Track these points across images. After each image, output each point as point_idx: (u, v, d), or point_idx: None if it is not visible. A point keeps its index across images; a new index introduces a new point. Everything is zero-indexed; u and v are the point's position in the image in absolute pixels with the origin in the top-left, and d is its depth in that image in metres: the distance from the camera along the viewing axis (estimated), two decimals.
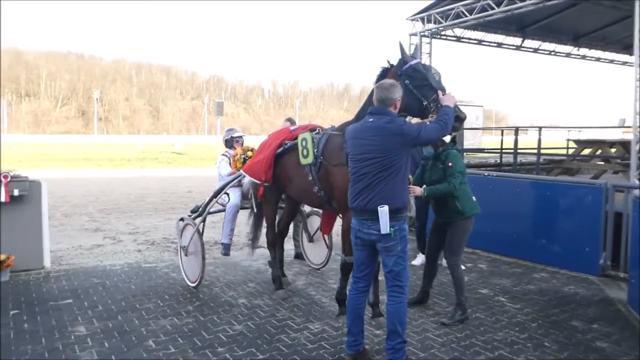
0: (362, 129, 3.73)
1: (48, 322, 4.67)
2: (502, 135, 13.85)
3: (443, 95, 4.00)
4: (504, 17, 10.41)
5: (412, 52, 4.44)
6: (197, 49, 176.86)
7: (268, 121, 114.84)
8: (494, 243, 7.41)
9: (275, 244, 5.82)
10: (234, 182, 5.97)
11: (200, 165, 27.50)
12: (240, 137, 6.74)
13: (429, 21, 11.74)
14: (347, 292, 4.16)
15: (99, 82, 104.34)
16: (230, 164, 6.48)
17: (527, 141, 21.02)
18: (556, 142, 21.19)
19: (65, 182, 17.33)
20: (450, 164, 4.70)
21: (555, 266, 6.65)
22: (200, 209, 6.12)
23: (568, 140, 15.45)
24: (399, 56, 4.31)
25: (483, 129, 17.63)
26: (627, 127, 12.73)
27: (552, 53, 15.11)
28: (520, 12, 10.06)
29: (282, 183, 5.39)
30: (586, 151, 13.15)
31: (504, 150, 13.08)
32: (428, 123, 3.87)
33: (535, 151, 12.18)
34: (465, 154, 13.30)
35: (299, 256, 7.09)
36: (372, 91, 4.04)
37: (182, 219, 6.15)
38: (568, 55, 15.44)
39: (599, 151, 12.49)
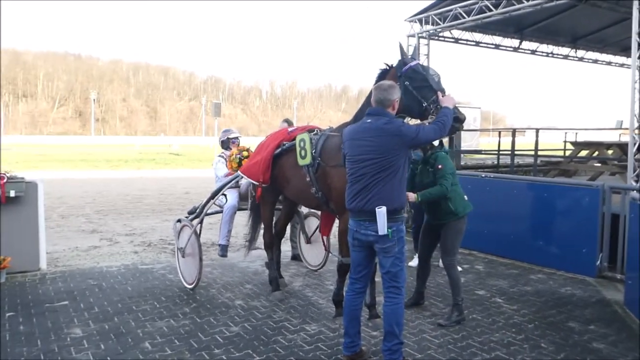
0: (360, 129, 3.73)
1: (44, 324, 4.65)
2: (499, 136, 13.88)
3: (443, 96, 4.00)
4: (501, 18, 10.42)
5: (410, 53, 4.42)
6: (194, 50, 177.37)
7: (266, 122, 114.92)
8: (491, 244, 7.42)
9: (273, 245, 5.80)
10: (231, 183, 5.96)
11: (198, 167, 27.48)
12: (237, 138, 6.73)
13: (427, 23, 11.74)
14: (344, 294, 4.15)
15: (97, 82, 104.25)
16: (226, 165, 6.46)
17: (525, 143, 21.08)
18: (553, 143, 21.21)
19: (62, 183, 17.31)
20: (439, 167, 4.72)
21: (552, 267, 6.66)
22: (197, 210, 6.11)
23: (565, 141, 15.50)
24: (398, 57, 4.30)
25: (481, 130, 17.66)
26: (625, 129, 12.77)
27: (550, 55, 15.13)
28: (518, 14, 10.07)
29: (280, 184, 5.39)
30: (583, 153, 13.18)
31: (501, 152, 13.11)
32: (427, 124, 3.88)
33: (533, 153, 12.20)
34: (462, 155, 13.32)
35: (296, 257, 7.08)
36: (371, 92, 4.03)
37: (179, 221, 6.14)
38: (566, 57, 15.45)
39: (596, 153, 12.53)
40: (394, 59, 4.35)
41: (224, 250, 6.21)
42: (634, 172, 8.08)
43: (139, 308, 5.12)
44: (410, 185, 4.82)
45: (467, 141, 15.48)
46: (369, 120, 3.69)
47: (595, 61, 16.32)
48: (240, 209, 6.35)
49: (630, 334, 4.59)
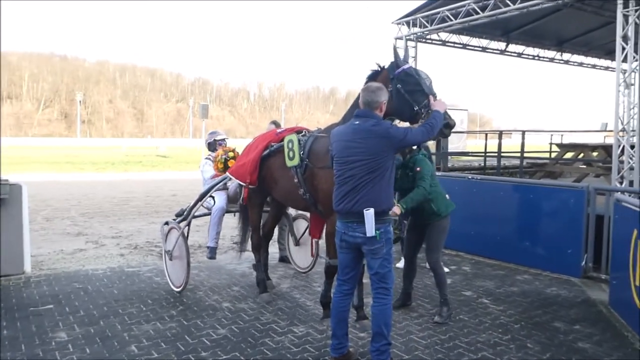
0: (348, 131, 3.73)
1: (28, 328, 4.60)
2: (486, 138, 13.96)
3: (434, 100, 4.02)
4: (488, 21, 10.52)
5: (403, 55, 4.42)
6: (182, 51, 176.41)
7: (253, 124, 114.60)
8: (477, 245, 7.46)
9: (260, 247, 5.79)
10: (219, 185, 5.93)
11: (185, 169, 27.35)
12: (224, 140, 6.70)
13: (414, 25, 11.82)
14: (332, 295, 4.15)
15: (82, 84, 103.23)
16: (213, 167, 6.43)
17: (511, 145, 21.16)
18: (539, 145, 21.40)
19: (47, 185, 17.13)
20: (418, 169, 4.75)
21: (538, 268, 6.71)
22: (185, 213, 6.07)
23: (551, 143, 15.63)
24: (387, 59, 4.31)
25: (467, 132, 17.77)
26: (609, 131, 12.91)
27: (536, 58, 15.29)
28: (504, 17, 10.17)
29: (268, 185, 5.37)
30: (569, 155, 13.34)
31: (488, 154, 13.19)
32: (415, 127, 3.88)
33: (519, 155, 12.29)
34: (449, 157, 13.39)
35: (283, 259, 7.06)
36: (360, 94, 4.03)
37: (166, 223, 6.09)
38: (551, 60, 15.63)
39: (582, 155, 12.68)
40: (382, 61, 4.36)
41: (212, 252, 6.17)
42: (618, 173, 8.18)
43: (125, 311, 5.07)
44: None
45: (454, 143, 15.55)
46: (357, 122, 3.70)
47: (581, 64, 16.52)
48: (228, 211, 6.32)
49: (615, 333, 4.64)
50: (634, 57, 8.02)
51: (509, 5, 9.62)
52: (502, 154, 12.30)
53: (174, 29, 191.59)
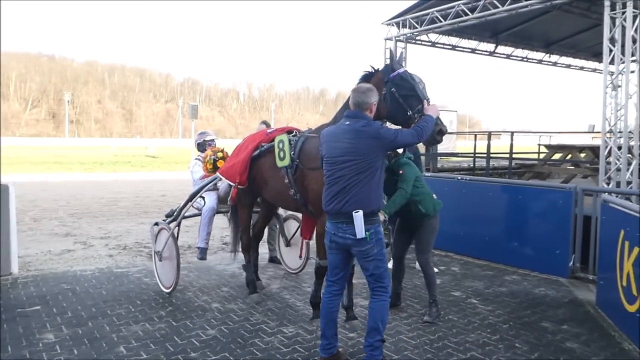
0: (338, 131, 3.73)
1: (15, 330, 4.55)
2: (475, 140, 14.06)
3: (427, 105, 4.04)
4: (477, 23, 10.57)
5: (397, 58, 4.42)
6: (171, 51, 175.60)
7: (243, 124, 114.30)
8: (466, 246, 7.50)
9: (250, 247, 5.78)
10: (209, 185, 5.91)
11: (174, 169, 27.22)
12: (213, 140, 6.68)
13: (404, 26, 11.84)
14: (322, 296, 4.16)
15: (71, 84, 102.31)
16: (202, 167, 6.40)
17: (500, 146, 21.37)
18: (528, 146, 21.57)
19: (34, 186, 17.00)
20: (400, 172, 4.76)
21: (526, 269, 6.76)
22: (175, 213, 6.04)
23: (539, 145, 15.78)
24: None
25: (457, 133, 17.84)
26: (597, 133, 13.04)
27: (525, 59, 15.37)
28: (493, 19, 10.22)
29: (258, 186, 5.36)
30: (557, 156, 13.44)
31: (477, 155, 13.27)
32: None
33: (508, 155, 12.38)
34: (439, 157, 13.44)
35: (273, 260, 7.05)
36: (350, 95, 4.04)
37: (156, 224, 6.06)
38: (540, 61, 15.72)
39: (569, 156, 12.79)
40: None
41: (203, 253, 6.13)
42: (606, 174, 8.26)
43: (114, 312, 5.04)
44: None
45: (444, 144, 15.60)
46: (347, 123, 3.70)
47: (569, 66, 16.64)
48: (219, 212, 6.30)
49: (602, 333, 4.68)
50: (621, 59, 8.09)
51: (498, 7, 9.68)
52: (491, 155, 12.39)
53: (164, 29, 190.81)
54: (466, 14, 10.30)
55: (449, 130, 4.57)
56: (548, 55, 15.50)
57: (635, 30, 7.97)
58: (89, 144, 64.19)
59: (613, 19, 8.12)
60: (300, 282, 6.19)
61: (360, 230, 3.55)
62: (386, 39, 12.24)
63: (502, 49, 14.52)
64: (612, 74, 8.25)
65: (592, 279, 6.03)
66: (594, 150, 11.72)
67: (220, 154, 6.22)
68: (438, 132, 4.01)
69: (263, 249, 6.79)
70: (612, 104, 8.25)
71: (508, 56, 14.95)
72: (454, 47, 13.62)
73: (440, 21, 10.85)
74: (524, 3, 9.28)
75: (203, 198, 6.16)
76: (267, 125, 6.77)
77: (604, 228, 5.42)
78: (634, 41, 8.00)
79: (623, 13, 7.96)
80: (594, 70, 17.07)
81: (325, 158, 3.77)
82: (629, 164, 8.18)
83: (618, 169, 8.15)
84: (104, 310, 5.10)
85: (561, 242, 6.44)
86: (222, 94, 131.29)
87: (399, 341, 4.41)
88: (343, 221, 3.63)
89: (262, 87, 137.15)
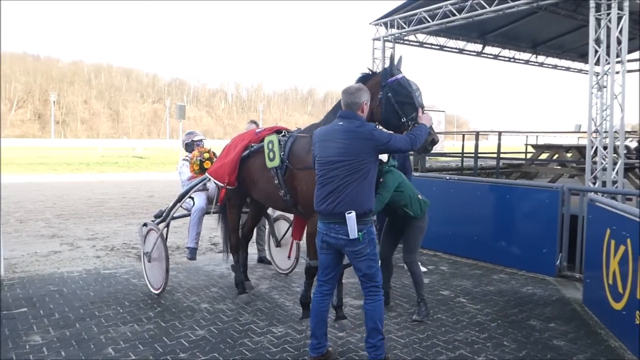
0: (331, 131, 3.73)
1: (1, 332, 4.49)
2: (463, 140, 14.15)
3: (422, 113, 4.05)
4: (465, 23, 10.64)
5: (396, 62, 4.37)
6: (158, 51, 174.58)
7: (231, 125, 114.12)
8: (455, 245, 7.53)
9: (239, 247, 5.76)
10: (198, 185, 5.87)
11: (162, 170, 27.09)
12: (201, 140, 6.63)
13: (392, 26, 11.89)
14: (312, 295, 4.15)
15: (56, 84, 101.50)
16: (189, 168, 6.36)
17: (488, 146, 21.50)
18: (515, 146, 21.75)
19: (20, 187, 16.81)
20: (381, 180, 4.77)
21: (514, 267, 6.80)
22: (164, 214, 6.00)
23: (527, 145, 15.90)
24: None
25: (445, 133, 17.93)
26: (583, 133, 13.16)
27: (512, 60, 15.51)
28: (480, 19, 10.30)
29: (248, 186, 5.34)
30: (544, 155, 13.56)
31: (465, 155, 13.35)
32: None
33: (495, 155, 12.46)
34: (427, 157, 13.50)
35: (262, 260, 7.04)
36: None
37: (145, 224, 6.02)
38: (527, 62, 15.87)
39: (556, 156, 12.92)
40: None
41: (192, 253, 6.07)
42: (592, 174, 8.35)
43: (102, 313, 5.01)
44: None
45: None
46: (340, 123, 3.70)
47: (555, 67, 16.81)
48: (208, 212, 6.25)
49: (589, 331, 4.73)
50: (607, 60, 8.18)
51: (485, 7, 9.75)
52: (479, 155, 12.46)
53: (151, 28, 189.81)
54: (454, 15, 10.37)
55: (436, 131, 4.60)
56: (535, 55, 15.65)
57: (620, 32, 8.07)
58: (76, 144, 63.76)
59: (598, 20, 8.22)
60: (289, 282, 6.18)
61: (353, 230, 3.56)
62: (374, 39, 12.29)
63: (489, 49, 14.64)
64: (597, 74, 8.34)
65: (579, 278, 6.09)
66: (580, 150, 11.85)
67: (206, 155, 6.18)
68: (430, 142, 4.06)
69: (252, 249, 6.78)
70: (598, 104, 8.35)
71: (495, 56, 15.07)
72: (441, 48, 13.70)
73: (428, 21, 10.91)
74: (511, 4, 9.36)
75: (192, 198, 6.13)
76: (256, 124, 6.75)
77: (591, 227, 5.47)
78: (619, 42, 8.09)
79: (608, 14, 8.06)
80: (580, 71, 17.26)
81: (318, 158, 3.76)
82: (615, 163, 8.28)
83: (604, 169, 8.24)
84: (92, 311, 5.06)
85: (548, 241, 6.49)
86: (209, 94, 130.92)
87: (388, 340, 4.41)
88: (335, 222, 3.63)
89: (250, 87, 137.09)
